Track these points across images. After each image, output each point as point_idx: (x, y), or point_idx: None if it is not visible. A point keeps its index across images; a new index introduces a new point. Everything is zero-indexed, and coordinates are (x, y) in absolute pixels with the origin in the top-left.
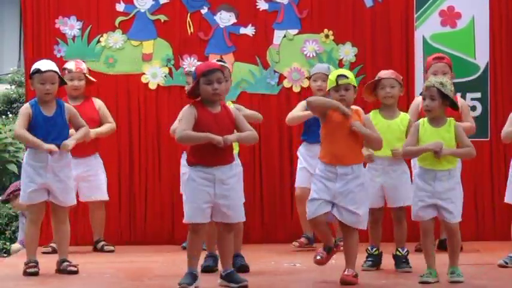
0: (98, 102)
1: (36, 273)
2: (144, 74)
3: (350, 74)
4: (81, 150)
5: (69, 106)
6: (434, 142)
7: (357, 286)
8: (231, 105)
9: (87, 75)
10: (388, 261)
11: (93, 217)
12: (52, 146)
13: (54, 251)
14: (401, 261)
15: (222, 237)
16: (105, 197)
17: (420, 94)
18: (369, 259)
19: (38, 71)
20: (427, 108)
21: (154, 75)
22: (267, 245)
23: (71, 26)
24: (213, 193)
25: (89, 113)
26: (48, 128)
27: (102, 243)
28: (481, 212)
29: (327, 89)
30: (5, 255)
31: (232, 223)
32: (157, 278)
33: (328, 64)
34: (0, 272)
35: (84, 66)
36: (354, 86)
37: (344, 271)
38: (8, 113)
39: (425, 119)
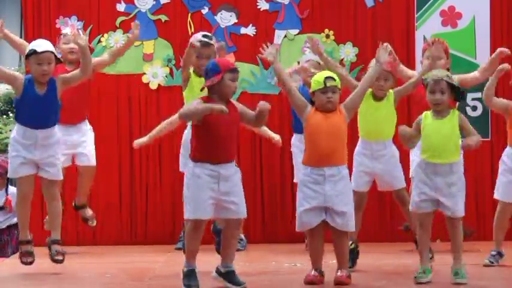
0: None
1: (30, 260)
2: (144, 74)
3: (336, 76)
4: (72, 117)
5: (59, 76)
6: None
7: (357, 286)
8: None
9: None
10: (389, 262)
11: (82, 181)
12: None
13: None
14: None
15: (229, 232)
16: (95, 162)
17: (423, 84)
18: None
19: (34, 51)
20: (437, 102)
21: (155, 75)
22: (267, 245)
23: (71, 26)
24: (217, 190)
25: None
26: (38, 108)
27: (91, 212)
28: (482, 212)
29: (311, 91)
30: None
31: (240, 218)
32: (159, 278)
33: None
34: (0, 272)
35: (81, 28)
36: (339, 89)
37: (337, 272)
38: (9, 112)
39: (429, 112)
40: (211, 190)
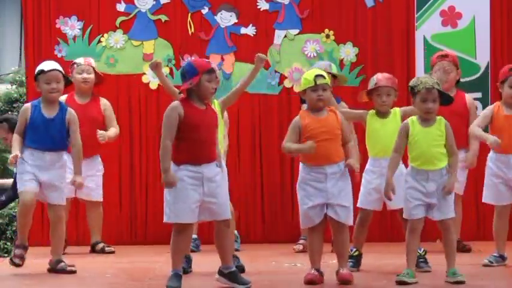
0: (104, 103)
1: (20, 262)
2: (144, 74)
3: (326, 74)
4: (84, 151)
5: (72, 112)
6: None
7: (357, 286)
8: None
9: (96, 69)
10: (389, 262)
11: (90, 217)
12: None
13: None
14: (419, 261)
15: (220, 232)
16: (100, 198)
17: (411, 91)
18: (350, 260)
19: (41, 71)
20: (429, 110)
21: (155, 75)
22: (267, 244)
23: (71, 26)
24: (201, 192)
25: (94, 112)
26: (46, 130)
27: (102, 244)
28: (482, 212)
29: (301, 89)
30: (5, 255)
31: (226, 219)
32: (159, 278)
33: (329, 62)
34: (0, 272)
35: (92, 61)
36: (329, 86)
37: (339, 270)
38: (9, 112)
39: (415, 118)
40: (196, 193)
